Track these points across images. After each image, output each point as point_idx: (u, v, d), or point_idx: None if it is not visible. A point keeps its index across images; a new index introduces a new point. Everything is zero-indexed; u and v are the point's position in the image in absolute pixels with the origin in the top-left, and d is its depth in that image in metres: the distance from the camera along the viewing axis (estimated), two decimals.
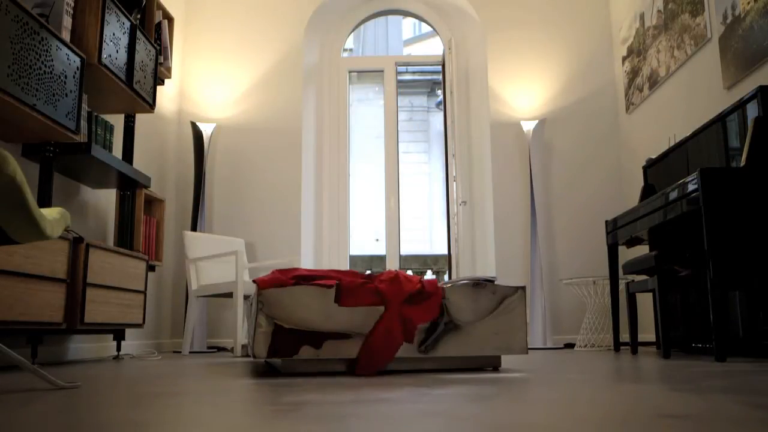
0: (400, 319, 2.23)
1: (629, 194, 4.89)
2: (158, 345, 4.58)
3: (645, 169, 4.06)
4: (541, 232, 4.93)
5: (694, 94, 3.86)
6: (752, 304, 2.98)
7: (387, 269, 2.98)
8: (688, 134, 3.49)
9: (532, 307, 4.70)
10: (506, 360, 2.89)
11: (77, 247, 2.88)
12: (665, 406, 1.22)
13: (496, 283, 2.39)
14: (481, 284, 2.34)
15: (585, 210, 4.99)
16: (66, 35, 2.94)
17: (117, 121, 3.98)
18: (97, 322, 3.01)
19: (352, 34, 6.23)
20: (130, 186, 3.64)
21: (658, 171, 3.89)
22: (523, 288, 2.39)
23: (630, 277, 4.59)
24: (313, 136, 5.38)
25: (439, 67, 5.61)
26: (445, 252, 5.73)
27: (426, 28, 16.33)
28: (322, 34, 5.57)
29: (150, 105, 3.66)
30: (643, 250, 4.54)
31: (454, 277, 5.05)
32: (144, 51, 3.61)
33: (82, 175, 3.37)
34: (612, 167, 5.03)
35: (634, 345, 3.62)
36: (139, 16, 3.79)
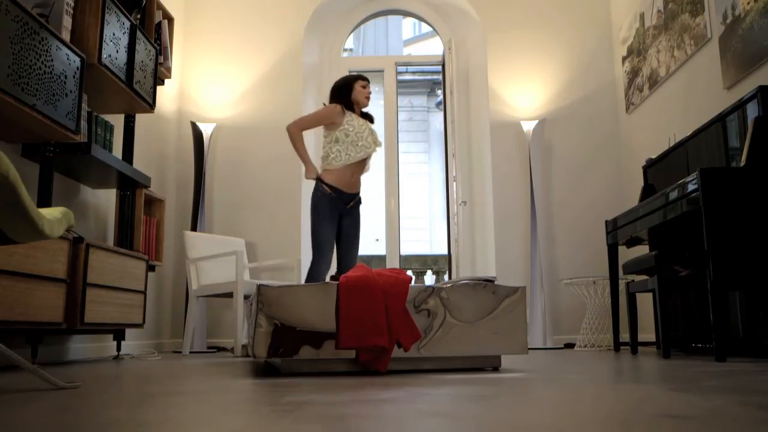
0: (383, 293, 2.23)
1: (629, 194, 4.89)
2: (158, 345, 4.58)
3: (645, 169, 4.06)
4: (541, 232, 4.93)
5: (694, 94, 3.86)
6: (752, 304, 2.98)
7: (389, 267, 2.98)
8: (688, 134, 3.49)
9: (532, 307, 4.70)
10: (506, 360, 2.90)
11: (77, 247, 2.88)
12: (665, 406, 1.22)
13: (496, 283, 2.39)
14: (481, 284, 2.34)
15: (585, 210, 4.99)
16: (66, 35, 2.93)
17: (117, 121, 3.98)
18: (97, 322, 3.01)
19: (352, 34, 6.23)
20: (130, 186, 3.64)
21: (658, 171, 3.89)
22: (523, 288, 2.39)
23: (630, 277, 4.59)
24: (313, 136, 5.38)
25: (439, 67, 5.61)
26: (445, 252, 5.73)
27: (426, 28, 16.32)
28: (322, 34, 5.57)
29: (150, 105, 3.66)
30: (643, 250, 4.54)
31: (454, 277, 5.05)
32: (144, 51, 3.61)
33: (82, 175, 3.37)
34: (612, 167, 5.03)
35: (634, 345, 3.62)
36: (139, 16, 3.79)
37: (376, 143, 3.59)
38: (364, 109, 3.70)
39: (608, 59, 5.17)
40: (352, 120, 3.53)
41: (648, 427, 0.97)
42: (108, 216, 3.84)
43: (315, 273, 3.45)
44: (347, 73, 5.61)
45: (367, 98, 3.64)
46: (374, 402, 1.34)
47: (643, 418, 1.06)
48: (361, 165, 3.59)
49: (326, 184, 3.48)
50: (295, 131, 3.56)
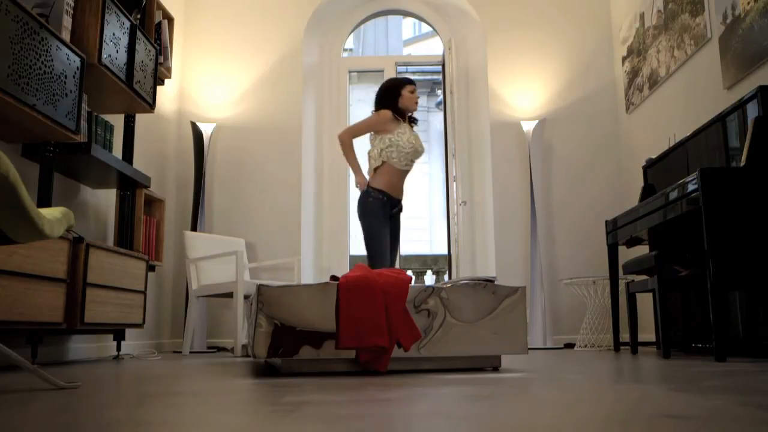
0: (383, 293, 2.22)
1: (629, 194, 4.88)
2: (158, 345, 4.58)
3: (645, 169, 4.06)
4: (541, 232, 4.93)
5: (694, 94, 3.86)
6: (752, 304, 2.98)
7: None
8: (688, 134, 3.49)
9: (532, 307, 4.70)
10: (506, 360, 2.90)
11: (77, 247, 2.88)
12: (665, 406, 1.22)
13: (496, 283, 2.39)
14: (481, 284, 2.34)
15: (585, 210, 4.99)
16: (66, 35, 2.93)
17: (117, 121, 3.98)
18: (97, 322, 3.01)
19: (352, 34, 6.23)
20: (130, 186, 3.64)
21: (658, 171, 3.89)
22: (523, 288, 2.39)
23: (630, 277, 4.59)
24: (313, 136, 5.38)
25: (439, 67, 5.61)
26: (445, 252, 5.73)
27: (426, 28, 16.31)
28: (322, 34, 5.57)
29: (150, 105, 3.66)
30: (643, 250, 4.54)
31: (454, 277, 5.05)
32: (144, 51, 3.61)
33: (82, 175, 3.37)
34: (612, 167, 5.03)
35: (634, 345, 3.62)
36: (139, 16, 3.79)
37: (420, 151, 3.56)
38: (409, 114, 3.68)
39: (608, 59, 5.17)
40: (404, 133, 3.51)
41: (648, 427, 0.97)
42: (108, 216, 3.84)
43: None
44: (347, 73, 5.61)
45: (416, 103, 3.62)
46: (374, 402, 1.34)
47: (643, 418, 1.06)
48: (406, 171, 3.60)
49: (376, 189, 3.47)
50: (347, 139, 3.53)
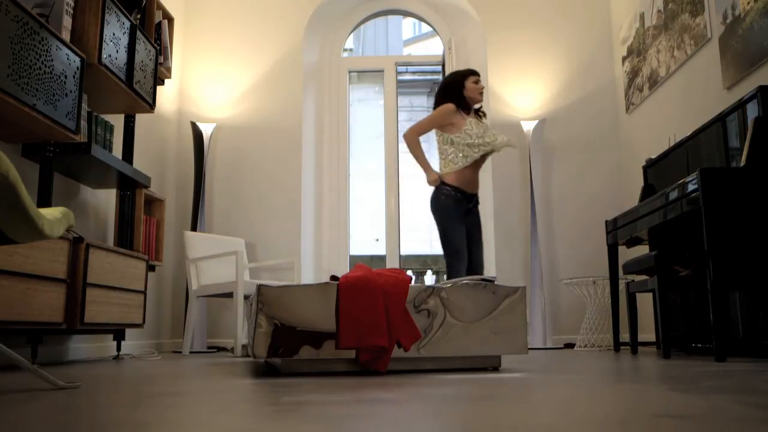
0: (383, 293, 2.22)
1: (629, 194, 4.89)
2: (158, 345, 4.58)
3: (645, 169, 4.06)
4: (541, 231, 4.93)
5: (694, 94, 3.86)
6: (752, 304, 2.98)
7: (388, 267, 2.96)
8: (688, 134, 3.49)
9: (532, 307, 4.70)
10: (506, 360, 2.90)
11: (77, 247, 2.88)
12: (665, 406, 1.22)
13: (495, 283, 2.39)
14: (481, 284, 2.34)
15: (585, 210, 4.99)
16: (66, 35, 2.93)
17: (117, 121, 3.98)
18: (97, 322, 3.01)
19: (352, 34, 6.23)
20: (130, 186, 3.64)
21: (658, 171, 3.89)
22: (523, 288, 2.39)
23: (630, 277, 4.59)
24: (313, 136, 5.38)
25: (439, 67, 5.61)
26: None
27: (426, 28, 16.31)
28: (322, 34, 5.57)
29: (150, 105, 3.66)
30: (643, 250, 4.54)
31: None
32: (144, 51, 3.61)
33: (82, 175, 3.37)
34: (612, 167, 5.03)
35: (634, 345, 3.62)
36: (139, 16, 3.79)
37: (499, 139, 3.48)
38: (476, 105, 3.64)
39: (608, 59, 5.17)
40: (470, 128, 3.45)
41: (648, 427, 0.97)
42: (108, 216, 3.84)
43: (455, 275, 3.35)
44: (347, 73, 5.61)
45: (481, 94, 3.55)
46: (374, 402, 1.34)
47: (643, 418, 1.06)
48: (480, 162, 3.55)
49: (449, 186, 3.44)
50: (412, 137, 3.49)
